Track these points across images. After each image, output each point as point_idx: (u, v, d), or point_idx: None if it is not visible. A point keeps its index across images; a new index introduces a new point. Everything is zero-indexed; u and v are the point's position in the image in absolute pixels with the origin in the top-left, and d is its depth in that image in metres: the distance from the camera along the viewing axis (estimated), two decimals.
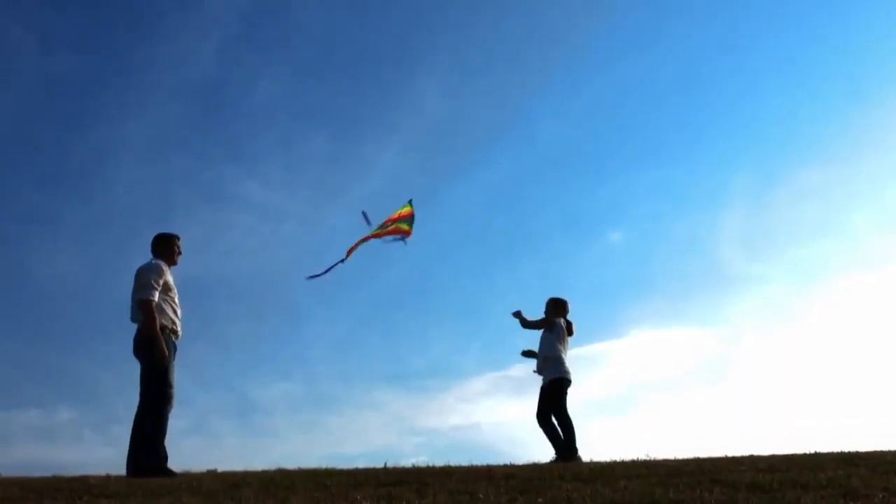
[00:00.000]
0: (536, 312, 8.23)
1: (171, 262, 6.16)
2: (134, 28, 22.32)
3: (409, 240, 8.28)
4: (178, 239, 6.27)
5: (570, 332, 8.06)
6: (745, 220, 22.99)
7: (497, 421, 17.80)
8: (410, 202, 8.52)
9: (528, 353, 8.19)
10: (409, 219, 8.37)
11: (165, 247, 6.17)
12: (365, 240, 8.09)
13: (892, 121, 23.85)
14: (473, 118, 24.46)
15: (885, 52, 22.80)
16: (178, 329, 6.01)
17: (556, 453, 7.50)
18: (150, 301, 5.78)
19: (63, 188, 21.08)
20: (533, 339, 8.22)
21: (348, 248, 7.99)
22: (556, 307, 8.14)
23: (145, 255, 6.17)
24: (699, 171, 23.93)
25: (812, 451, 5.94)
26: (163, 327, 5.83)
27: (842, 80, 23.47)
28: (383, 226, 8.26)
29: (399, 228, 8.26)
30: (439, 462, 5.94)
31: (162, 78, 22.21)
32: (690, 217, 23.16)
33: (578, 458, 7.25)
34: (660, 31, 24.65)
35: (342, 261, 7.88)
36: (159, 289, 5.87)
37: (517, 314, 8.15)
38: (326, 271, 7.86)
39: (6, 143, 20.28)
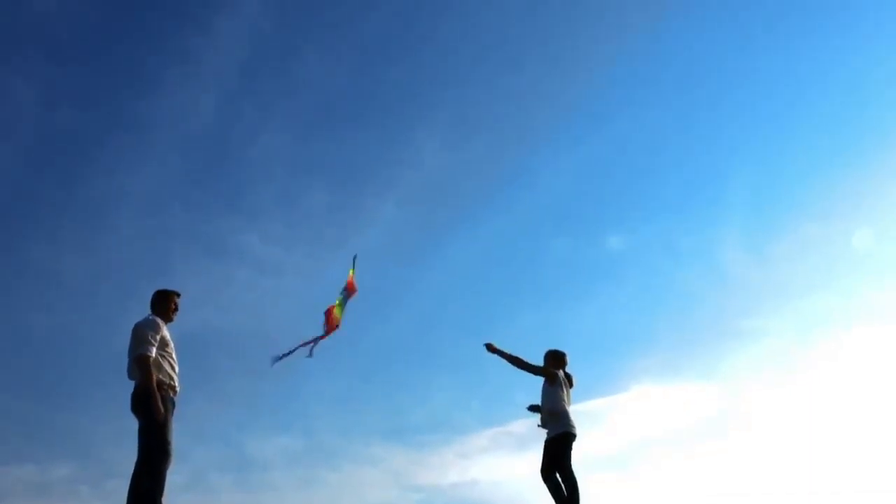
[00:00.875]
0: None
1: (168, 318, 6.20)
2: (134, 82, 22.68)
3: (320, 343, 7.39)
4: (178, 296, 6.31)
5: (570, 384, 8.00)
6: (745, 273, 23.01)
7: (497, 477, 17.52)
8: (353, 263, 7.88)
9: (534, 408, 8.07)
10: (345, 295, 7.67)
11: (163, 303, 6.21)
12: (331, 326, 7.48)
13: (893, 176, 24.03)
14: (473, 171, 24.68)
15: (886, 106, 23.08)
16: (176, 385, 6.01)
17: None
18: (148, 357, 5.80)
19: (62, 241, 21.14)
20: (532, 388, 8.14)
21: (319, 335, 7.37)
22: (555, 360, 8.04)
23: (144, 309, 6.22)
24: (699, 224, 24.04)
25: None
26: (160, 383, 5.83)
27: (844, 133, 23.75)
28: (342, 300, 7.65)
29: (333, 318, 7.49)
30: None
31: (162, 131, 22.48)
32: (691, 269, 23.18)
33: None
34: (657, 85, 25.06)
35: (316, 340, 7.29)
36: (156, 344, 5.89)
37: (490, 346, 7.87)
38: (291, 351, 7.24)
39: (6, 197, 20.43)
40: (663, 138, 24.33)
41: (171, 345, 6.07)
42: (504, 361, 7.84)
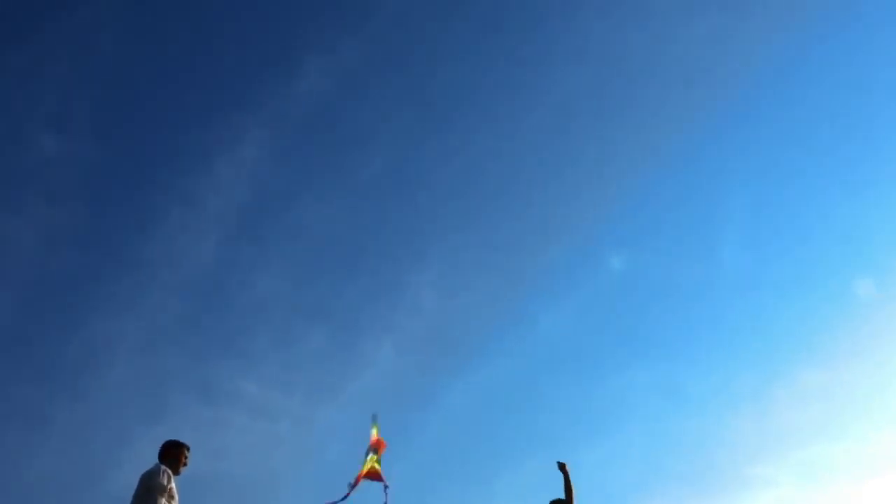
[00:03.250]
0: None
1: (176, 471, 6.18)
2: (135, 223, 23.17)
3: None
4: (188, 449, 6.32)
5: None
6: (749, 421, 22.66)
7: None
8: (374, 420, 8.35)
9: None
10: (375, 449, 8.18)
11: (174, 454, 6.21)
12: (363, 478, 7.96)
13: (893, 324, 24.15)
14: (471, 315, 24.81)
15: (885, 252, 23.55)
16: None
17: None
18: None
19: (55, 384, 20.84)
20: None
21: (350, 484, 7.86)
22: None
23: (138, 455, 6.22)
24: (700, 371, 23.88)
25: None
26: None
27: (844, 283, 24.08)
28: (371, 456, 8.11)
29: (374, 470, 8.05)
30: None
31: (161, 273, 22.69)
32: (693, 417, 22.78)
33: None
34: (654, 229, 25.65)
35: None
36: (165, 496, 5.86)
37: (562, 466, 7.82)
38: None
39: (1, 338, 20.35)
40: (664, 281, 24.66)
41: (177, 498, 6.04)
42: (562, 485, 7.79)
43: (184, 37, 23.76)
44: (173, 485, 6.00)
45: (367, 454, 8.03)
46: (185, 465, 6.23)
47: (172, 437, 6.36)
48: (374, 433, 8.19)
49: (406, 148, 24.98)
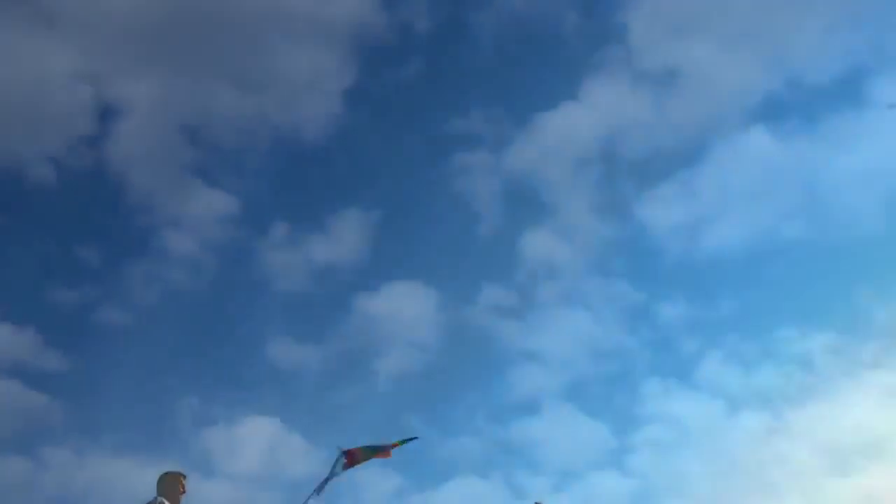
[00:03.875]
0: None
1: (175, 501, 6.04)
2: (133, 250, 23.36)
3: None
4: (185, 477, 6.22)
5: None
6: (753, 457, 22.53)
7: None
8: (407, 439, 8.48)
9: None
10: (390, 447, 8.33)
11: (171, 485, 6.08)
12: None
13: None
14: (471, 346, 24.79)
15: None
16: None
17: None
18: None
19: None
20: None
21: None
22: None
23: (134, 483, 6.13)
24: (703, 395, 23.80)
25: None
26: None
27: (845, 314, 24.13)
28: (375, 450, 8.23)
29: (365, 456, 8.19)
30: None
31: (159, 299, 22.79)
32: (697, 449, 22.65)
33: None
34: (656, 253, 25.63)
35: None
36: None
37: None
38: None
39: None
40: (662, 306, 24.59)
41: None
42: None
43: None
44: None
45: (372, 448, 8.14)
46: (183, 492, 6.17)
47: (169, 467, 6.23)
48: (395, 441, 8.29)
49: (406, 174, 25.14)
